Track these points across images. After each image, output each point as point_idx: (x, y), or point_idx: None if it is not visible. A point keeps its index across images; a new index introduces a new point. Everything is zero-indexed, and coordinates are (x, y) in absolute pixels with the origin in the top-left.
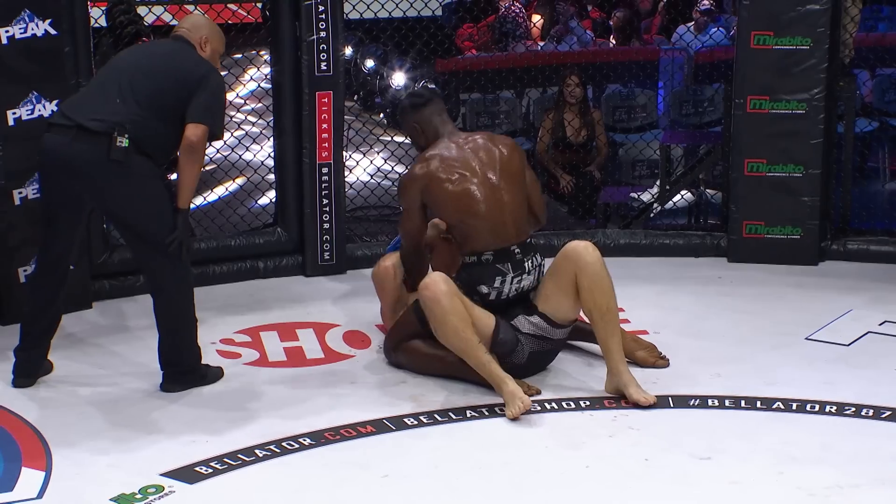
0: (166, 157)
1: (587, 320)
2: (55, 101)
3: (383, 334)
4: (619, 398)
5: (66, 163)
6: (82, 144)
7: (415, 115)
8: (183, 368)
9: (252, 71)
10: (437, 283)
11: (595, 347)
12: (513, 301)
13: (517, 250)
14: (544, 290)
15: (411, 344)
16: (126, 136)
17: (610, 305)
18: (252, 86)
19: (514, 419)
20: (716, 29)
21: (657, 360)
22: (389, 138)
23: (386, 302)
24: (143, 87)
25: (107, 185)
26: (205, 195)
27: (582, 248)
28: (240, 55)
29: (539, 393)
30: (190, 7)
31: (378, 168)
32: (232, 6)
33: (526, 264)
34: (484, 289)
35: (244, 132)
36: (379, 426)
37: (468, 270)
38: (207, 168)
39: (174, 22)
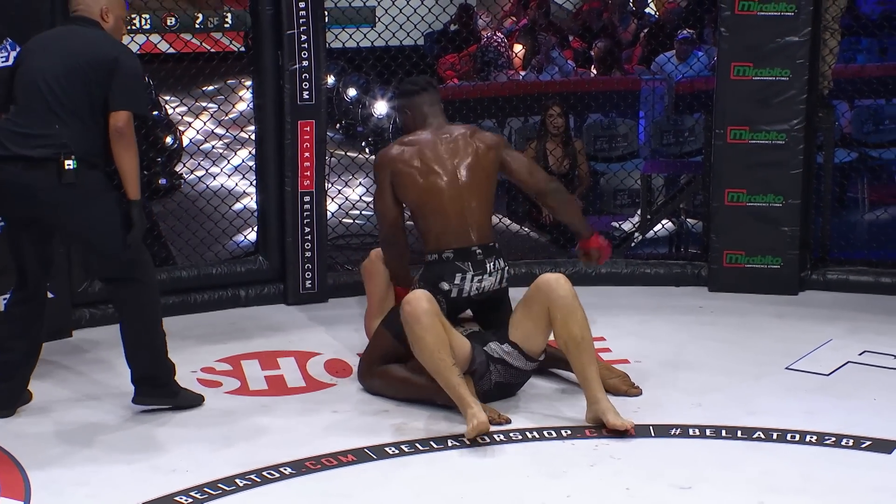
0: (109, 156)
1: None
2: None
3: (366, 337)
4: (600, 427)
5: (19, 190)
6: (32, 172)
7: (407, 101)
8: (155, 383)
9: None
10: (419, 301)
11: (575, 377)
12: (475, 302)
13: (478, 251)
14: (515, 317)
15: (385, 369)
16: (73, 156)
17: (584, 335)
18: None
19: (471, 440)
20: (701, 55)
21: (629, 389)
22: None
23: (373, 293)
24: (68, 96)
25: (62, 207)
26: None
27: (553, 281)
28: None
29: (509, 422)
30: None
31: (360, 196)
32: (214, 34)
33: (487, 265)
34: (445, 285)
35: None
36: (360, 455)
37: (429, 268)
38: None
39: (161, 46)
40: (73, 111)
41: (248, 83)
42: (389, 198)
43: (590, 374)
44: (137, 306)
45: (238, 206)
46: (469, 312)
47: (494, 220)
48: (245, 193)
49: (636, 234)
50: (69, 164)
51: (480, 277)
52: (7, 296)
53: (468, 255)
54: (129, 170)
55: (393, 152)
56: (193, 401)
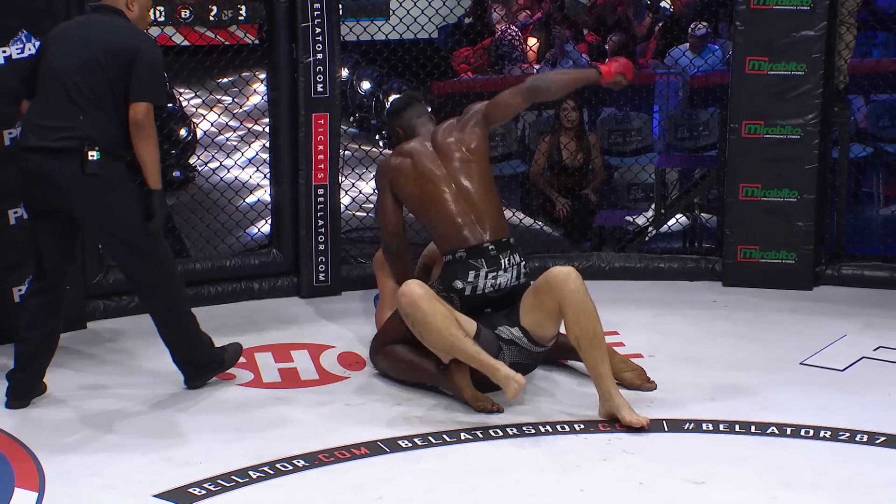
0: (131, 146)
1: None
2: None
3: (376, 328)
4: (613, 422)
5: (43, 180)
6: (56, 163)
7: (397, 120)
8: (199, 362)
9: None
10: (412, 289)
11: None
12: (492, 300)
13: (491, 247)
14: (525, 304)
15: (394, 349)
16: (96, 147)
17: (596, 331)
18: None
19: (513, 400)
20: (716, 49)
21: (644, 383)
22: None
23: (386, 284)
24: (91, 87)
25: (85, 197)
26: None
27: (564, 277)
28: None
29: (502, 411)
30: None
31: (374, 189)
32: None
33: (502, 261)
34: (458, 284)
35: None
36: (373, 448)
37: (445, 269)
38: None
39: (175, 39)
40: (94, 102)
41: (263, 76)
42: (390, 207)
43: (602, 371)
44: (160, 293)
45: (252, 198)
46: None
47: (507, 213)
48: (259, 186)
49: (650, 229)
50: (93, 154)
51: (495, 274)
52: (24, 286)
53: (481, 252)
54: (149, 160)
55: (392, 162)
56: (234, 355)
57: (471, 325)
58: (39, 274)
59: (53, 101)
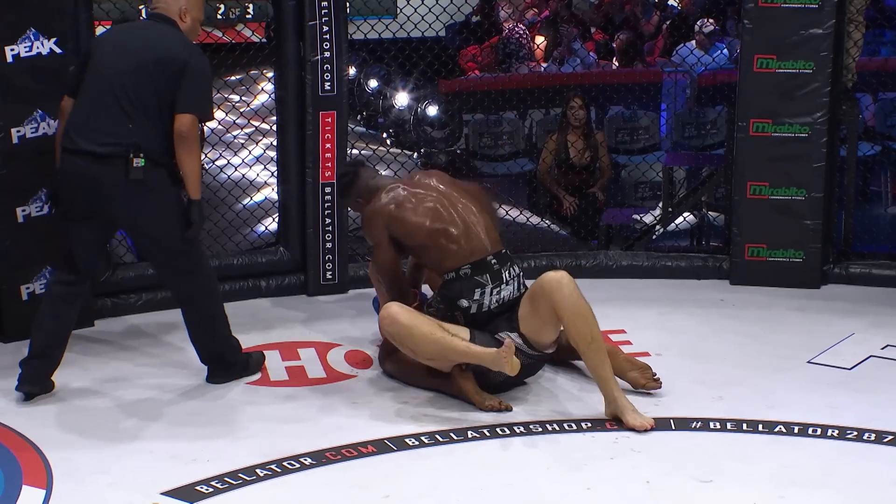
0: (174, 155)
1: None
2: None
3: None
4: (619, 421)
5: (86, 184)
6: (99, 167)
7: (352, 191)
8: (226, 362)
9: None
10: (389, 308)
11: None
12: (496, 313)
13: (493, 261)
14: (523, 311)
15: (401, 354)
16: (141, 154)
17: (594, 334)
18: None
19: (515, 373)
20: (720, 51)
21: (649, 382)
22: (392, 158)
23: (386, 298)
24: (139, 96)
25: (127, 202)
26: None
27: (556, 283)
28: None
29: (510, 409)
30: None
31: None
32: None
33: (504, 275)
34: (464, 303)
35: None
36: (380, 446)
37: (448, 287)
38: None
39: None
40: (141, 109)
41: (270, 74)
42: (390, 250)
43: (604, 373)
44: (196, 295)
45: (259, 196)
46: None
47: (515, 212)
48: (266, 184)
49: (657, 227)
50: (138, 161)
51: (499, 289)
52: (32, 284)
53: (485, 267)
54: (190, 171)
55: (381, 205)
56: (258, 364)
57: (463, 331)
58: (69, 269)
59: (101, 105)
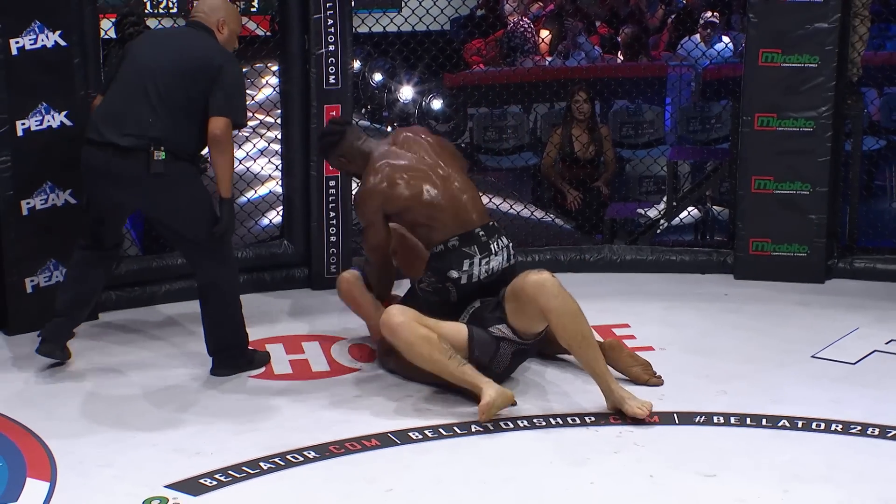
0: (199, 152)
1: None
2: (64, 112)
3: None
4: (622, 415)
5: (107, 176)
6: (121, 160)
7: (336, 151)
8: (232, 353)
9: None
10: (392, 317)
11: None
12: (485, 285)
13: (481, 232)
14: (510, 306)
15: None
16: (162, 148)
17: (584, 332)
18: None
19: (493, 416)
20: (724, 45)
21: (651, 378)
22: None
23: (366, 311)
24: (169, 92)
25: (150, 195)
26: None
27: (539, 287)
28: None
29: (514, 403)
30: None
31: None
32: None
33: (492, 245)
34: (454, 273)
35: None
36: (384, 440)
37: (437, 260)
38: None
39: None
40: (169, 107)
41: (275, 67)
42: (383, 228)
43: (598, 369)
44: (220, 286)
45: (264, 189)
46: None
47: (519, 207)
48: (270, 177)
49: (662, 221)
50: (158, 155)
51: (487, 259)
52: (36, 277)
53: (472, 239)
54: (222, 173)
55: (375, 184)
56: (262, 361)
57: (461, 333)
58: (96, 243)
59: (130, 99)
